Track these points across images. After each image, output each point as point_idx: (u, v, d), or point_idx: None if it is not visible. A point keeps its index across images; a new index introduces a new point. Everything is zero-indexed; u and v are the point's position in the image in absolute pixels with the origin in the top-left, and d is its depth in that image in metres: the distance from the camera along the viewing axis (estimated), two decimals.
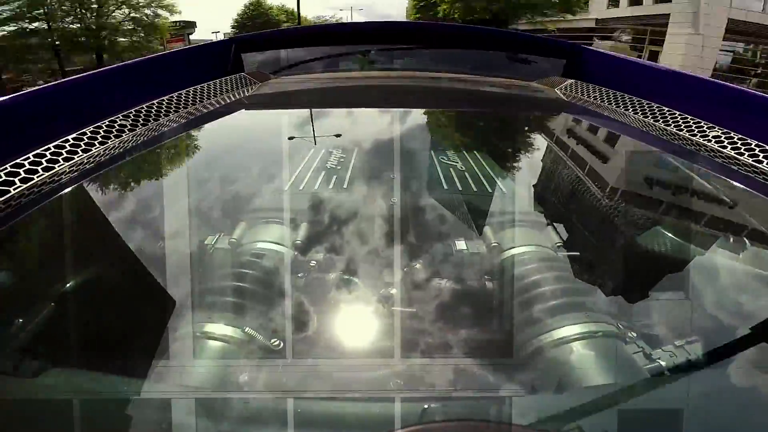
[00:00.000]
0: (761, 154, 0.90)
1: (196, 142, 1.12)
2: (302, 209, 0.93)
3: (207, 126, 1.13)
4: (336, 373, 0.63)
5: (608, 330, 0.66)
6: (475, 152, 1.18)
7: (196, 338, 0.68)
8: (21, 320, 0.65)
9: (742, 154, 0.92)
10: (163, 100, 1.13)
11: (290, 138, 1.20)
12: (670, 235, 0.83)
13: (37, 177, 0.76)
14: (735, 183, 0.86)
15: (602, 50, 1.72)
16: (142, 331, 0.70)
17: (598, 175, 1.09)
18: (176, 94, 1.19)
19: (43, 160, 0.79)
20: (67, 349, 0.67)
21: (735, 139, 0.97)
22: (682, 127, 1.08)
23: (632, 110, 1.23)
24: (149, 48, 17.43)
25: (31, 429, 0.50)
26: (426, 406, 0.52)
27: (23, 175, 0.75)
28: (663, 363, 0.61)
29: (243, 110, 1.33)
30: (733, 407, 0.53)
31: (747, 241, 0.78)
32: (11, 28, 15.14)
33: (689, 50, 16.45)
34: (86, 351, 0.66)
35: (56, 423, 0.51)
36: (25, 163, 0.78)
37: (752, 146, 0.93)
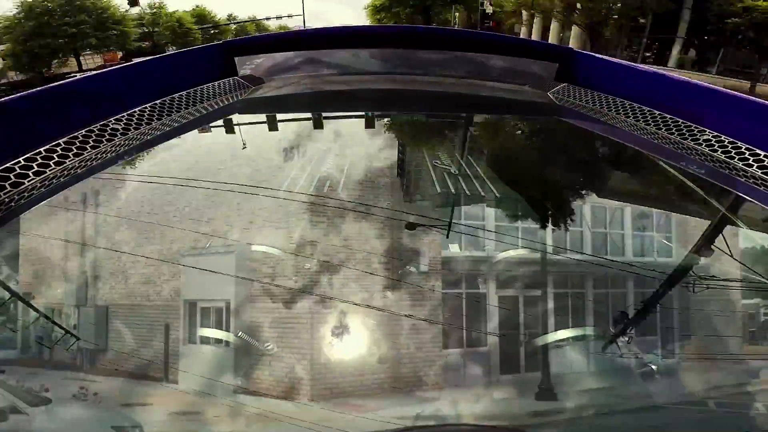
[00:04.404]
0: (751, 158, 0.91)
1: (188, 146, 1.11)
2: (295, 213, 0.93)
3: (199, 130, 1.12)
4: (331, 376, 0.63)
5: (600, 334, 0.66)
6: (468, 156, 1.19)
7: (191, 341, 0.68)
8: (18, 321, 0.65)
9: (732, 158, 0.93)
10: (156, 103, 1.13)
11: (283, 142, 1.20)
12: (660, 237, 0.84)
13: (28, 181, 0.75)
14: (725, 186, 0.87)
15: (594, 54, 1.73)
16: (134, 335, 0.70)
17: (591, 178, 1.10)
18: (168, 98, 1.19)
19: (34, 164, 0.78)
20: (61, 351, 0.66)
21: (725, 143, 0.98)
22: (673, 131, 1.09)
23: (624, 114, 1.24)
24: None
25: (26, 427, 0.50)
26: (423, 406, 0.52)
27: (14, 179, 0.74)
28: (660, 365, 0.61)
29: (236, 114, 1.32)
30: (733, 406, 0.54)
31: (737, 243, 0.79)
32: None
33: None
34: (81, 353, 0.65)
35: (54, 421, 0.51)
36: (16, 167, 0.77)
37: (742, 150, 0.94)
